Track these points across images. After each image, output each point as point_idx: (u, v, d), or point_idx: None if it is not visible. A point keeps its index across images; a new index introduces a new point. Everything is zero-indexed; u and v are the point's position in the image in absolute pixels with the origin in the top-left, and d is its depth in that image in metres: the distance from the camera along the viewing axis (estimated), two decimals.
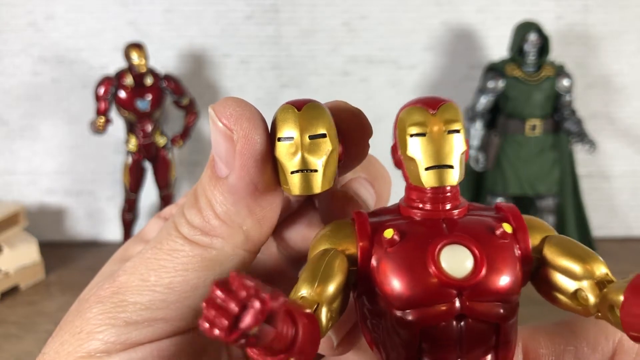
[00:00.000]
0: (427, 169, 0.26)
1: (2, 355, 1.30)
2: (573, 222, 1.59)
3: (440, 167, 0.26)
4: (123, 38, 1.58)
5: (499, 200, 1.54)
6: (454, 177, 0.26)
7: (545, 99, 1.47)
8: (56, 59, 1.66)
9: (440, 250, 0.25)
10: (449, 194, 0.27)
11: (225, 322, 0.18)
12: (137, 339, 0.27)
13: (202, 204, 0.28)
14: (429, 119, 0.26)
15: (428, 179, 0.26)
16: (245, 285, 0.18)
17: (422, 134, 0.26)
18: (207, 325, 0.18)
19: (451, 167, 0.26)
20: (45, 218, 1.77)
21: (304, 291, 0.24)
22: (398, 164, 0.27)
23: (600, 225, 1.73)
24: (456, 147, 0.26)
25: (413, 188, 0.27)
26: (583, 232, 1.61)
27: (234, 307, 0.18)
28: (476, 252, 0.25)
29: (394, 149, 0.27)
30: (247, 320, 0.18)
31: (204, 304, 0.18)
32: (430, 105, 0.26)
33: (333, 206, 0.31)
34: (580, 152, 1.57)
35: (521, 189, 1.53)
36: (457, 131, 0.26)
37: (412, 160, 0.26)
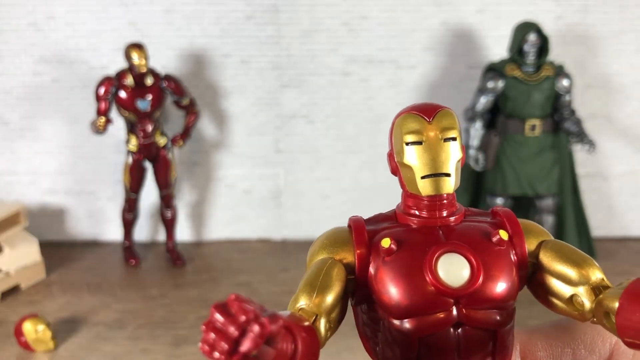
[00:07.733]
0: (423, 177, 0.26)
1: (2, 355, 1.30)
2: (572, 222, 1.59)
3: (436, 175, 0.26)
4: (123, 38, 1.59)
5: (499, 200, 1.54)
6: (450, 185, 0.27)
7: (545, 99, 1.47)
8: (57, 59, 1.66)
9: (437, 259, 0.25)
10: (445, 201, 0.27)
11: (226, 346, 0.18)
12: None
13: None
14: (425, 127, 0.26)
15: (425, 187, 0.26)
16: (245, 309, 0.19)
17: (419, 142, 0.26)
18: (207, 348, 0.19)
19: (448, 175, 0.26)
20: (46, 218, 1.77)
21: (302, 302, 0.25)
22: (394, 170, 0.28)
23: (599, 225, 1.73)
24: (452, 155, 0.26)
25: (410, 195, 0.28)
26: (582, 232, 1.61)
27: (233, 330, 0.19)
28: (473, 260, 0.25)
29: (390, 156, 0.28)
30: (247, 344, 0.19)
31: (203, 327, 0.19)
32: (426, 112, 0.27)
33: None
34: (579, 152, 1.57)
35: (521, 189, 1.53)
36: (454, 139, 0.26)
37: (408, 168, 0.27)
